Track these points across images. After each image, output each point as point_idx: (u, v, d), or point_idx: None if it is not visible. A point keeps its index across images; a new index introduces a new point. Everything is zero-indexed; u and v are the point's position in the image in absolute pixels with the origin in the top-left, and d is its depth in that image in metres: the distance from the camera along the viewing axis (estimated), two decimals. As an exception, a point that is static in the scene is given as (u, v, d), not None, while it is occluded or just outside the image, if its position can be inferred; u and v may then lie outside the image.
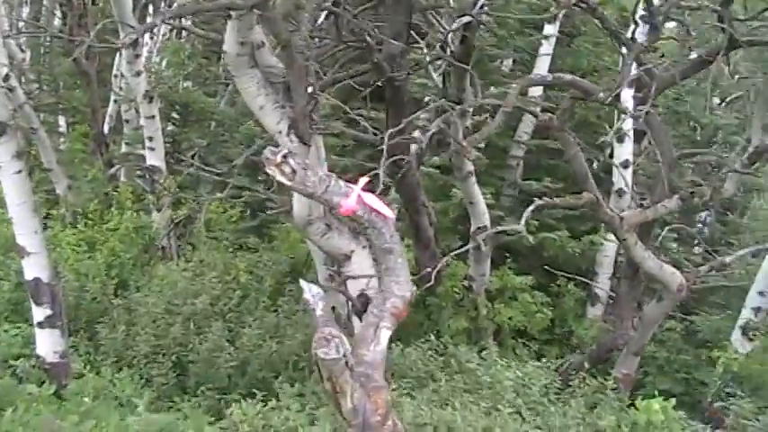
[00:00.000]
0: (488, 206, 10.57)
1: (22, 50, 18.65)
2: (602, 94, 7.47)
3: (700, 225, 14.69)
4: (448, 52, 8.88)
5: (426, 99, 11.76)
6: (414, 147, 7.98)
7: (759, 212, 13.46)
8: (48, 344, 7.79)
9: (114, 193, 12.71)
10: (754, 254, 9.50)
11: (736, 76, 17.59)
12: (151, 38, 16.64)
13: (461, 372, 7.68)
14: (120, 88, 15.35)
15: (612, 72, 12.56)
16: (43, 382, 7.34)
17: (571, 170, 12.54)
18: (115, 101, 16.15)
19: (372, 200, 3.50)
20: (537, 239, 7.10)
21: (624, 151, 11.79)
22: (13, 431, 6.15)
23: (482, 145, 10.90)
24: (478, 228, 10.34)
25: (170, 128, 15.36)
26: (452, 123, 7.75)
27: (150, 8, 17.23)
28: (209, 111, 15.15)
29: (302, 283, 3.54)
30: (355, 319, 7.44)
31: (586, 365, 8.83)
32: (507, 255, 11.66)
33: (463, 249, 8.78)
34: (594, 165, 9.73)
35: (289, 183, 3.44)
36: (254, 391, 7.15)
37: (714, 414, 8.59)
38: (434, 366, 7.85)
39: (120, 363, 8.35)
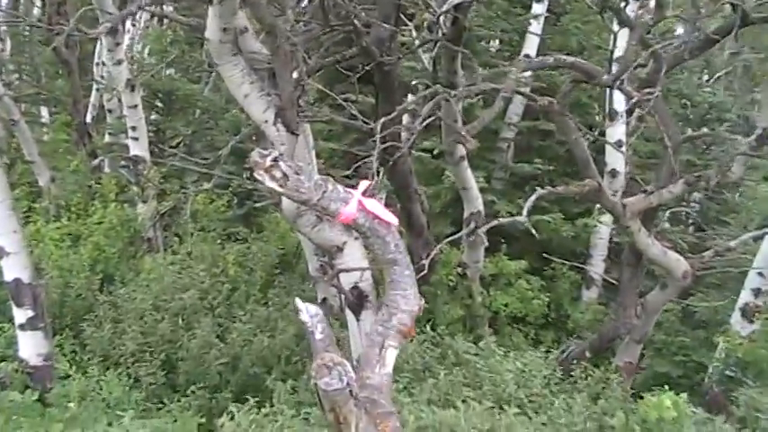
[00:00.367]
0: (480, 190, 10.34)
1: (1, 40, 18.29)
2: (605, 77, 7.21)
3: (694, 203, 14.51)
4: (438, 34, 8.62)
5: (414, 82, 11.47)
6: (405, 134, 7.73)
7: (758, 191, 13.21)
8: (30, 346, 7.61)
9: (98, 185, 12.43)
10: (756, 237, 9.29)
11: (726, 52, 17.35)
12: (133, 25, 16.26)
13: (459, 364, 7.49)
14: (102, 77, 15.02)
15: (602, 52, 12.28)
16: (27, 387, 7.15)
17: (562, 151, 12.42)
18: (97, 90, 15.83)
19: (374, 206, 3.19)
20: (531, 221, 6.86)
21: (617, 131, 11.62)
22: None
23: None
24: (472, 213, 10.12)
25: (154, 117, 15.09)
26: (449, 110, 7.52)
27: (130, -5, 16.85)
28: (193, 98, 14.92)
29: (298, 302, 3.20)
30: (348, 313, 7.27)
31: (587, 354, 8.64)
32: (502, 240, 11.46)
33: (457, 236, 8.55)
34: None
35: (280, 189, 3.07)
36: (247, 392, 6.96)
37: (717, 398, 8.43)
38: (431, 358, 7.65)
39: (107, 362, 8.16)
